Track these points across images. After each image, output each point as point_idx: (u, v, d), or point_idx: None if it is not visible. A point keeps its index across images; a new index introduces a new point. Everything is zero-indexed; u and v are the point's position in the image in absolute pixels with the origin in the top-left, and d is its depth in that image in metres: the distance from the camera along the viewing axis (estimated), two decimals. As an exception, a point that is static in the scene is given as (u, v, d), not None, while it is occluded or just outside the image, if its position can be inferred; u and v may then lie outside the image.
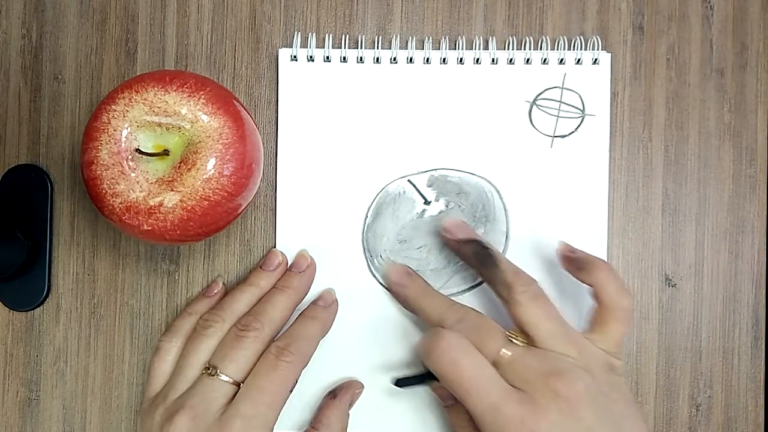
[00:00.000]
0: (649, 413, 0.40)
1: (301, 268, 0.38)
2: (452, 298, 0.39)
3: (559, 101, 0.40)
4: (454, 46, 0.40)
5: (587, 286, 0.35)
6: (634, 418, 0.32)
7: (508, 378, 0.32)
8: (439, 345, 0.32)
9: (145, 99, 0.32)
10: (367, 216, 0.40)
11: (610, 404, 0.32)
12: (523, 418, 0.30)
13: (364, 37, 0.40)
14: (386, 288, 0.39)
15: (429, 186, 0.40)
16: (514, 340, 0.33)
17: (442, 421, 0.39)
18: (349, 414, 0.38)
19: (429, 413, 0.39)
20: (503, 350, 0.32)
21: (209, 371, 0.34)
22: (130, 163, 0.32)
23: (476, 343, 0.33)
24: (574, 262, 0.36)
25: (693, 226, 0.40)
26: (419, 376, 0.36)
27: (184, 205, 0.32)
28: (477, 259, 0.36)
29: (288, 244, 0.39)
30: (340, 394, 0.38)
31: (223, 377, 0.33)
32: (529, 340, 0.33)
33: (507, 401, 0.31)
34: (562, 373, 0.31)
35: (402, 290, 0.38)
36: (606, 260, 0.35)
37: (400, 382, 0.37)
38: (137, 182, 0.32)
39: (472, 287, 0.39)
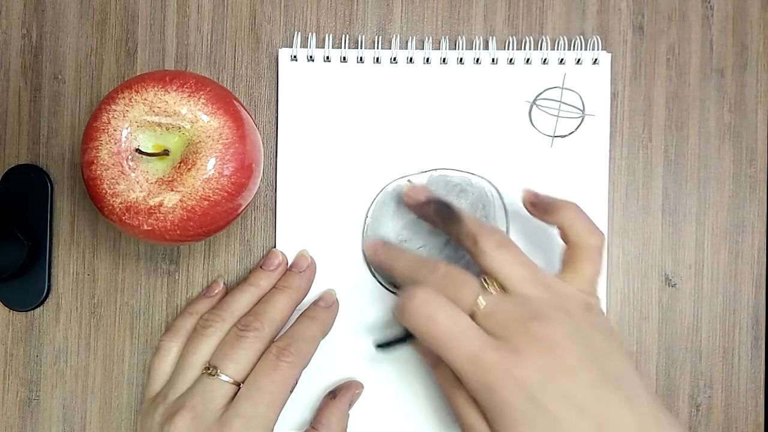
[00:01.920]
0: (649, 413, 0.40)
1: (301, 268, 0.38)
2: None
3: (559, 101, 0.40)
4: (454, 46, 0.40)
5: (555, 227, 0.35)
6: (616, 354, 0.32)
7: (485, 327, 0.31)
8: (412, 302, 0.32)
9: (145, 99, 0.32)
10: (367, 216, 0.40)
11: (591, 343, 0.31)
12: (504, 364, 0.30)
13: (364, 37, 0.40)
14: (386, 288, 0.39)
15: (429, 186, 0.40)
16: (488, 288, 0.32)
17: (442, 421, 0.39)
18: (349, 414, 0.38)
19: (429, 413, 0.39)
20: (479, 299, 0.32)
21: (209, 371, 0.34)
22: (130, 163, 0.32)
23: (451, 295, 0.32)
24: (540, 206, 0.36)
25: (693, 226, 0.40)
26: (399, 338, 0.36)
27: (184, 205, 0.32)
28: (440, 216, 0.36)
29: (288, 244, 0.39)
30: (340, 395, 0.38)
31: (224, 377, 0.33)
32: (503, 288, 0.33)
33: (486, 349, 0.30)
34: (540, 316, 0.31)
35: (375, 258, 0.38)
36: (573, 204, 0.35)
37: (381, 346, 0.36)
38: (137, 182, 0.32)
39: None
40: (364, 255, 0.39)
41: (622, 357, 0.32)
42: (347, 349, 0.39)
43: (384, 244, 0.39)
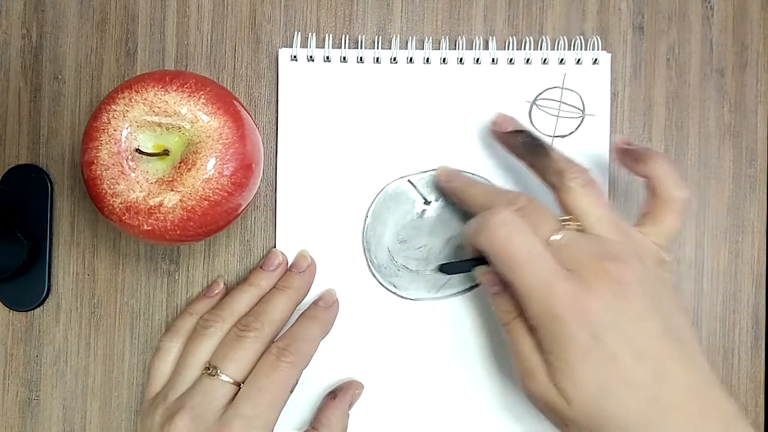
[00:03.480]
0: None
1: (301, 268, 0.38)
2: (452, 298, 0.39)
3: (559, 101, 0.40)
4: (454, 46, 0.40)
5: (642, 178, 0.35)
6: (681, 313, 0.32)
7: (560, 260, 0.31)
8: (492, 221, 0.32)
9: (145, 99, 0.32)
10: (367, 216, 0.40)
11: (659, 295, 0.31)
12: (574, 295, 0.30)
13: (364, 37, 0.40)
14: (387, 288, 0.39)
15: (429, 186, 0.40)
16: (567, 225, 0.33)
17: (442, 422, 0.39)
18: (349, 414, 0.38)
19: (429, 413, 0.39)
20: (556, 234, 0.32)
21: (209, 371, 0.34)
22: (130, 163, 0.32)
23: (529, 224, 0.32)
24: (631, 154, 0.35)
25: (693, 226, 0.40)
26: (464, 261, 0.36)
27: (184, 205, 0.32)
28: (527, 148, 0.36)
29: (288, 244, 0.39)
30: (340, 395, 0.38)
31: (224, 377, 0.33)
32: (581, 227, 0.33)
33: (558, 279, 0.30)
34: (615, 257, 0.31)
35: (449, 185, 0.38)
36: (665, 155, 0.34)
37: (445, 267, 0.37)
38: (137, 182, 0.32)
39: (472, 287, 0.39)
40: (374, 271, 0.39)
41: (686, 318, 0.32)
42: (347, 349, 0.39)
43: (459, 171, 0.38)
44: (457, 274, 0.38)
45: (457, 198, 0.38)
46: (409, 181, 0.40)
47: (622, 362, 0.29)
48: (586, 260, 0.31)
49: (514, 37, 0.40)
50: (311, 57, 0.40)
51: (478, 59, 0.40)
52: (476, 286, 0.39)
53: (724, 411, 0.30)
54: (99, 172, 0.32)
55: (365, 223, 0.40)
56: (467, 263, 0.36)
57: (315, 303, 0.38)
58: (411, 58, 0.40)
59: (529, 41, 0.40)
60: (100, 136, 0.32)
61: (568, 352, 0.30)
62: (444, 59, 0.40)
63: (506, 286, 0.33)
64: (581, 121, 0.40)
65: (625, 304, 0.30)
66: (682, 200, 0.34)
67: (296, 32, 0.40)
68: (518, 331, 0.33)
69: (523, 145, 0.36)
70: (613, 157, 0.37)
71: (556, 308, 0.30)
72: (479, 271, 0.35)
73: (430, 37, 0.40)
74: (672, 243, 0.34)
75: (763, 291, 0.40)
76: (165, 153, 0.32)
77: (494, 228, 0.32)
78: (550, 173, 0.34)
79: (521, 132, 0.37)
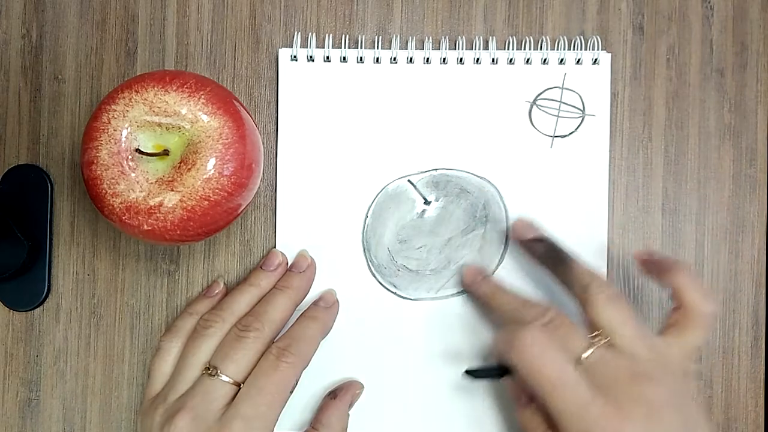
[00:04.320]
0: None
1: (301, 268, 0.38)
2: (452, 298, 0.39)
3: (559, 101, 0.40)
4: (454, 46, 0.40)
5: (667, 288, 0.35)
6: (704, 424, 0.32)
7: (591, 378, 0.31)
8: (523, 339, 0.32)
9: (145, 99, 0.32)
10: (367, 216, 0.40)
11: (686, 410, 0.32)
12: (608, 420, 0.30)
13: (364, 37, 0.40)
14: (387, 288, 0.39)
15: (429, 186, 0.40)
16: (597, 341, 0.33)
17: (442, 422, 0.39)
18: (349, 414, 0.38)
19: (429, 414, 0.39)
20: (587, 351, 0.32)
21: (209, 371, 0.34)
22: (130, 163, 0.32)
23: (558, 341, 0.32)
24: (653, 266, 0.36)
25: (693, 226, 0.40)
26: (493, 368, 0.36)
27: (184, 205, 0.32)
28: (549, 258, 0.36)
29: (288, 244, 0.39)
30: (341, 395, 0.38)
31: (224, 377, 0.33)
32: (609, 342, 0.33)
33: (594, 402, 0.31)
34: (646, 377, 0.31)
35: (476, 289, 0.38)
36: (687, 265, 0.35)
37: (473, 373, 0.36)
38: (137, 182, 0.32)
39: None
40: (374, 271, 0.39)
41: (708, 427, 0.32)
42: (347, 349, 0.39)
43: (485, 276, 0.38)
44: (485, 379, 0.38)
45: (482, 302, 0.38)
46: (409, 181, 0.40)
47: None
48: (617, 381, 0.31)
49: (514, 37, 0.40)
50: (311, 57, 0.40)
51: (478, 59, 0.40)
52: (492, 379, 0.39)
53: None
54: (99, 172, 0.32)
55: (365, 223, 0.40)
56: (495, 370, 0.35)
57: (315, 303, 0.38)
58: (411, 58, 0.40)
59: (529, 41, 0.40)
60: (100, 136, 0.32)
61: None
62: (444, 59, 0.40)
63: (533, 400, 0.33)
64: (581, 121, 0.40)
65: (659, 425, 0.30)
66: (709, 315, 0.33)
67: (296, 32, 0.40)
68: None
69: (544, 255, 0.36)
70: (636, 265, 0.37)
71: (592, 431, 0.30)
72: (509, 383, 0.36)
73: (430, 37, 0.40)
74: (697, 354, 0.34)
75: (763, 291, 0.40)
76: (165, 153, 0.32)
77: (525, 346, 0.32)
78: (575, 285, 0.34)
79: (543, 240, 0.37)
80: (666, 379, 0.32)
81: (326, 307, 0.38)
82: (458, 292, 0.39)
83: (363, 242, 0.40)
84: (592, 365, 0.32)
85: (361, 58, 0.40)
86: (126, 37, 0.40)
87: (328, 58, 0.40)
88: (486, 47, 0.40)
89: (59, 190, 0.40)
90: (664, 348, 0.33)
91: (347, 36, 0.40)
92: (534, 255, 0.38)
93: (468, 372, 0.36)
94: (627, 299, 0.34)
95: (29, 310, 0.40)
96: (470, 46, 0.40)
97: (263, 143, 0.39)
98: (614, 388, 0.31)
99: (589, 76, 0.40)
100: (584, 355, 0.32)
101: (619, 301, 0.33)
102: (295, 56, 0.40)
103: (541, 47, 0.40)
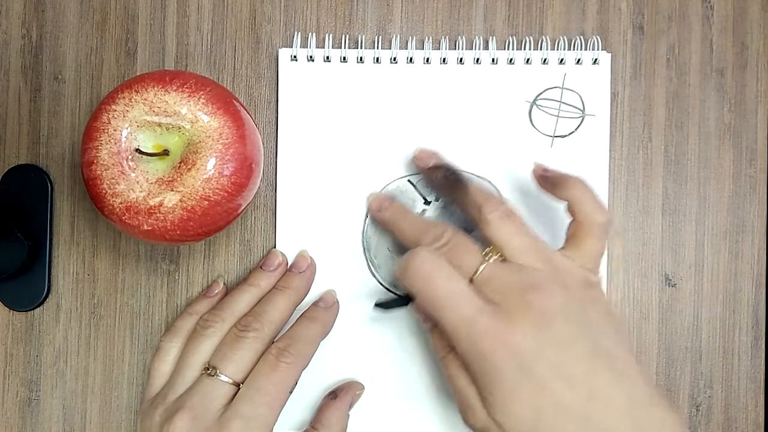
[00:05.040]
0: (649, 413, 0.39)
1: (301, 269, 0.38)
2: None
3: (559, 101, 0.40)
4: (454, 46, 0.40)
5: (563, 202, 0.35)
6: (612, 332, 0.32)
7: (483, 293, 0.32)
8: (413, 262, 0.32)
9: (145, 99, 0.32)
10: (367, 216, 0.40)
11: (587, 318, 0.31)
12: (497, 331, 0.30)
13: (364, 37, 0.40)
14: (387, 288, 0.39)
15: (429, 186, 0.40)
16: (489, 257, 0.33)
17: (442, 422, 0.39)
18: (349, 415, 0.38)
19: (429, 414, 0.39)
20: (480, 267, 0.32)
21: (209, 371, 0.34)
22: (130, 163, 0.32)
23: (452, 260, 0.33)
24: (549, 180, 0.36)
25: (693, 226, 0.40)
26: (399, 298, 0.36)
27: (184, 205, 0.32)
28: (447, 183, 0.37)
29: (288, 244, 0.39)
30: (341, 395, 0.38)
31: (223, 378, 0.33)
32: (502, 257, 0.33)
33: (481, 314, 0.31)
34: (537, 287, 0.31)
35: (380, 214, 0.38)
36: (581, 180, 0.35)
37: (381, 305, 0.37)
38: (137, 182, 0.32)
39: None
40: (374, 271, 0.39)
41: (618, 336, 0.32)
42: (347, 349, 0.39)
43: (392, 201, 0.39)
44: (394, 309, 0.38)
45: (388, 230, 0.38)
46: (409, 181, 0.40)
47: (552, 390, 0.30)
48: (508, 292, 0.31)
49: (514, 37, 0.40)
50: (311, 57, 0.40)
51: (478, 59, 0.40)
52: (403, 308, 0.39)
53: (659, 425, 0.30)
54: (99, 172, 0.32)
55: (365, 223, 0.40)
56: (402, 299, 0.36)
57: (315, 304, 0.38)
58: (411, 58, 0.40)
59: (529, 41, 0.40)
60: (100, 136, 0.32)
61: (499, 386, 0.30)
62: (444, 59, 0.40)
63: (436, 323, 0.33)
64: (581, 121, 0.40)
65: (549, 333, 0.30)
66: (602, 223, 0.34)
67: (296, 32, 0.40)
68: (452, 366, 0.33)
69: (444, 180, 0.37)
70: (534, 182, 0.37)
71: (481, 345, 0.30)
72: (413, 309, 0.36)
73: (430, 37, 0.40)
74: (599, 263, 0.34)
75: (763, 291, 0.40)
76: (165, 153, 0.32)
77: (415, 268, 0.32)
78: (470, 206, 0.35)
79: (442, 167, 0.37)
80: (558, 290, 0.31)
81: (326, 307, 0.38)
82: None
83: (363, 242, 0.40)
84: (484, 281, 0.32)
85: (361, 58, 0.40)
86: (126, 37, 0.40)
87: (328, 58, 0.40)
88: (486, 47, 0.40)
89: (59, 190, 0.40)
90: (561, 260, 0.33)
91: (347, 36, 0.40)
92: (434, 182, 0.38)
93: (377, 305, 0.37)
94: (520, 216, 0.34)
95: (29, 310, 0.40)
96: (470, 46, 0.40)
97: (263, 143, 0.39)
98: (504, 299, 0.31)
99: (589, 76, 0.40)
100: (477, 271, 0.32)
101: (513, 217, 0.34)
102: (295, 56, 0.40)
103: (541, 47, 0.40)
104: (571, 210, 0.35)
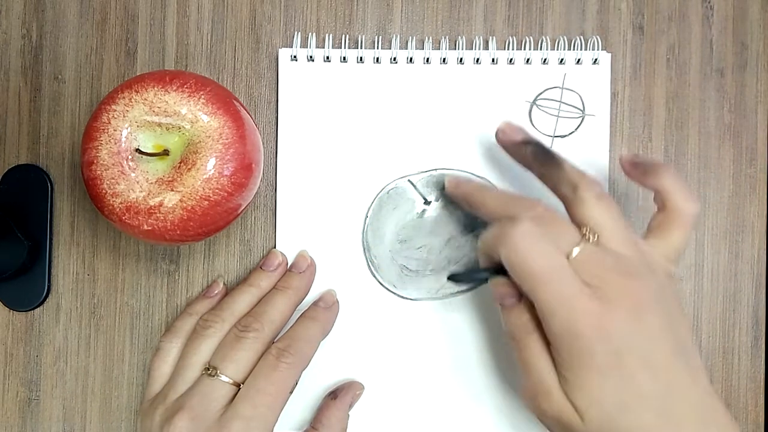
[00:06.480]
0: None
1: (301, 269, 0.38)
2: (452, 298, 0.39)
3: (559, 101, 0.40)
4: (454, 46, 0.40)
5: (652, 191, 0.34)
6: (687, 326, 0.32)
7: (580, 274, 0.31)
8: (513, 233, 0.31)
9: (145, 99, 0.32)
10: (367, 216, 0.40)
11: (671, 310, 0.31)
12: (596, 313, 0.30)
13: (364, 37, 0.40)
14: (387, 288, 0.39)
15: (429, 186, 0.40)
16: (587, 237, 0.32)
17: (442, 422, 0.39)
18: (349, 415, 0.38)
19: (429, 414, 0.39)
20: (577, 246, 0.31)
21: (209, 372, 0.34)
22: (130, 163, 0.32)
23: (549, 235, 0.32)
24: (639, 168, 0.35)
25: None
26: (477, 270, 0.35)
27: (184, 205, 0.32)
28: (537, 159, 0.35)
29: (288, 244, 0.39)
30: (341, 395, 0.38)
31: (223, 378, 0.33)
32: (597, 240, 0.32)
33: (582, 295, 0.30)
34: (633, 274, 0.31)
35: (458, 191, 0.37)
36: (671, 168, 0.34)
37: (456, 277, 0.36)
38: (137, 182, 0.32)
39: (471, 288, 0.39)
40: (374, 271, 0.39)
41: (690, 332, 0.32)
42: (347, 349, 0.39)
43: (468, 178, 0.38)
44: (466, 284, 0.37)
45: (468, 203, 0.37)
46: (409, 181, 0.40)
47: (638, 379, 0.30)
48: (605, 276, 0.31)
49: (514, 37, 0.40)
50: (311, 57, 0.40)
51: (478, 59, 0.40)
52: (475, 287, 0.39)
53: (723, 421, 0.30)
54: (99, 172, 0.32)
55: (365, 223, 0.40)
56: (481, 272, 0.35)
57: (315, 304, 0.38)
58: (411, 58, 0.40)
59: (529, 41, 0.40)
60: (100, 136, 0.32)
61: (587, 370, 0.30)
62: (444, 59, 0.40)
63: (521, 299, 0.33)
64: (581, 121, 0.40)
65: (643, 323, 0.30)
66: (692, 214, 0.33)
67: (296, 32, 0.40)
68: (534, 347, 0.32)
69: (533, 156, 0.35)
70: (622, 168, 0.36)
71: (579, 325, 0.30)
72: (495, 283, 0.34)
73: (430, 37, 0.40)
74: (679, 257, 0.34)
75: (763, 291, 0.40)
76: (165, 153, 0.32)
77: (515, 240, 0.31)
78: (564, 185, 0.34)
79: (530, 142, 0.36)
80: (651, 279, 0.31)
81: (326, 307, 0.38)
82: (458, 292, 0.39)
83: (363, 242, 0.40)
84: (581, 261, 0.31)
85: (361, 58, 0.40)
86: (126, 37, 0.40)
87: (328, 58, 0.40)
88: (486, 47, 0.40)
89: (59, 190, 0.40)
90: (647, 249, 0.33)
91: (347, 36, 0.40)
92: (522, 158, 0.36)
93: (451, 277, 0.36)
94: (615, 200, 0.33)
95: (29, 310, 0.40)
96: (470, 46, 0.40)
97: (263, 143, 0.39)
98: (602, 283, 0.31)
99: (589, 76, 0.40)
100: (575, 250, 0.31)
101: (608, 200, 0.33)
102: (295, 56, 0.40)
103: (541, 47, 0.40)
104: (660, 199, 0.34)
